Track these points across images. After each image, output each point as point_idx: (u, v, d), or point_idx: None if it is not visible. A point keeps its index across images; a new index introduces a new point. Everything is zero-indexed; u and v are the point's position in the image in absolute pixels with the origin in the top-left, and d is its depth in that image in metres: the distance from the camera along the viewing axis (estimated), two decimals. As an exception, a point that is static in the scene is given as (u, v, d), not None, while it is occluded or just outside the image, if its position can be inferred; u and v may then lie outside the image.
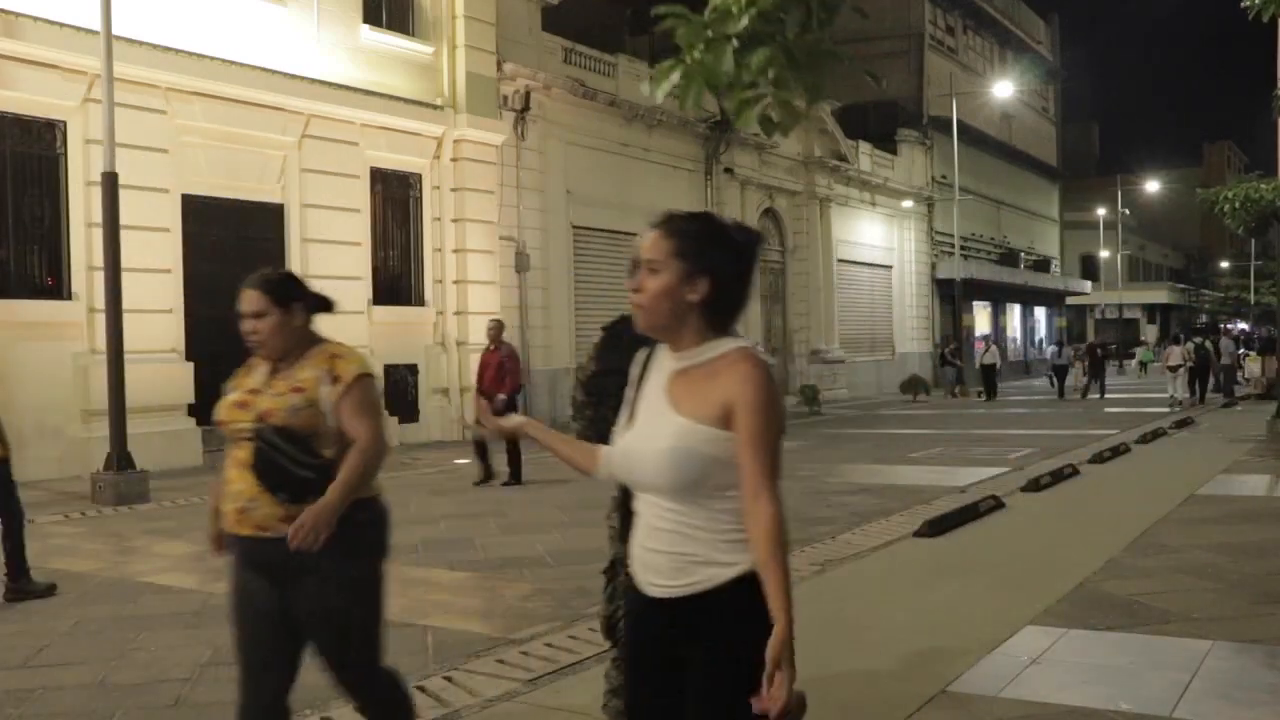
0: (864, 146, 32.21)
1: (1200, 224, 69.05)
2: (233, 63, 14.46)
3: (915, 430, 17.90)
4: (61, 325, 12.89)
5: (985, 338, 30.16)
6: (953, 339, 32.46)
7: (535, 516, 9.54)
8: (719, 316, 2.16)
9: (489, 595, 6.62)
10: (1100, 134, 78.82)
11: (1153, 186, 54.79)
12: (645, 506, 2.20)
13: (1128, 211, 57.42)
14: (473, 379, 18.02)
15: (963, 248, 33.94)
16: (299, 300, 3.14)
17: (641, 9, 26.38)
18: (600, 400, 3.44)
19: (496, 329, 11.87)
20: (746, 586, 2.06)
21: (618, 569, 3.39)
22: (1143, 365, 42.48)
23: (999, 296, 41.75)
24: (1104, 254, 52.70)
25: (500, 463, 11.67)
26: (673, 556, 2.13)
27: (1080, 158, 66.41)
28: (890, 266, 34.27)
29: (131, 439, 10.90)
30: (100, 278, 11.49)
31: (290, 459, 2.95)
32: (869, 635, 5.22)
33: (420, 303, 17.82)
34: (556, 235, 20.46)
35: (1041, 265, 46.42)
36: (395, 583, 6.80)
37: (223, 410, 3.12)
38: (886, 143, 34.08)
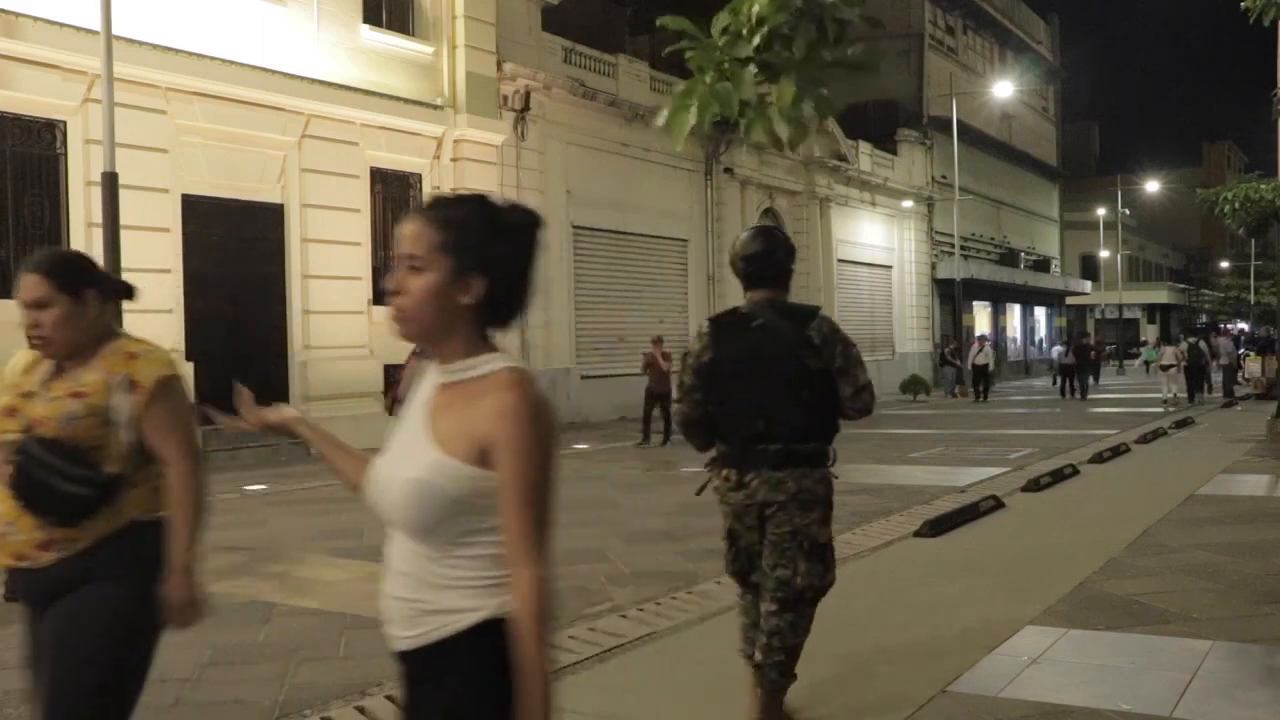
0: (864, 146, 32.22)
1: (1200, 224, 69.01)
2: (233, 63, 14.47)
3: (915, 430, 17.90)
4: (62, 325, 12.88)
5: (980, 337, 29.89)
6: (952, 339, 32.44)
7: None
8: (495, 322, 1.82)
9: (489, 595, 6.61)
10: (1100, 134, 78.87)
11: (1153, 186, 54.78)
12: (392, 546, 1.83)
13: (1128, 211, 57.44)
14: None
15: (963, 248, 33.94)
16: (92, 287, 2.59)
17: (642, 9, 26.40)
18: (707, 385, 3.81)
19: None
20: (488, 635, 1.71)
21: (735, 536, 3.84)
22: (1146, 365, 42.54)
23: (999, 296, 41.76)
24: (1104, 254, 52.70)
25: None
26: (407, 604, 1.78)
27: (1080, 158, 66.41)
28: (890, 266, 34.28)
29: (132, 439, 10.89)
30: (100, 278, 11.48)
31: (59, 474, 2.44)
32: (869, 635, 5.22)
33: (420, 303, 17.80)
34: (556, 235, 20.46)
35: (1041, 265, 46.43)
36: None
37: None
38: (886, 143, 34.09)
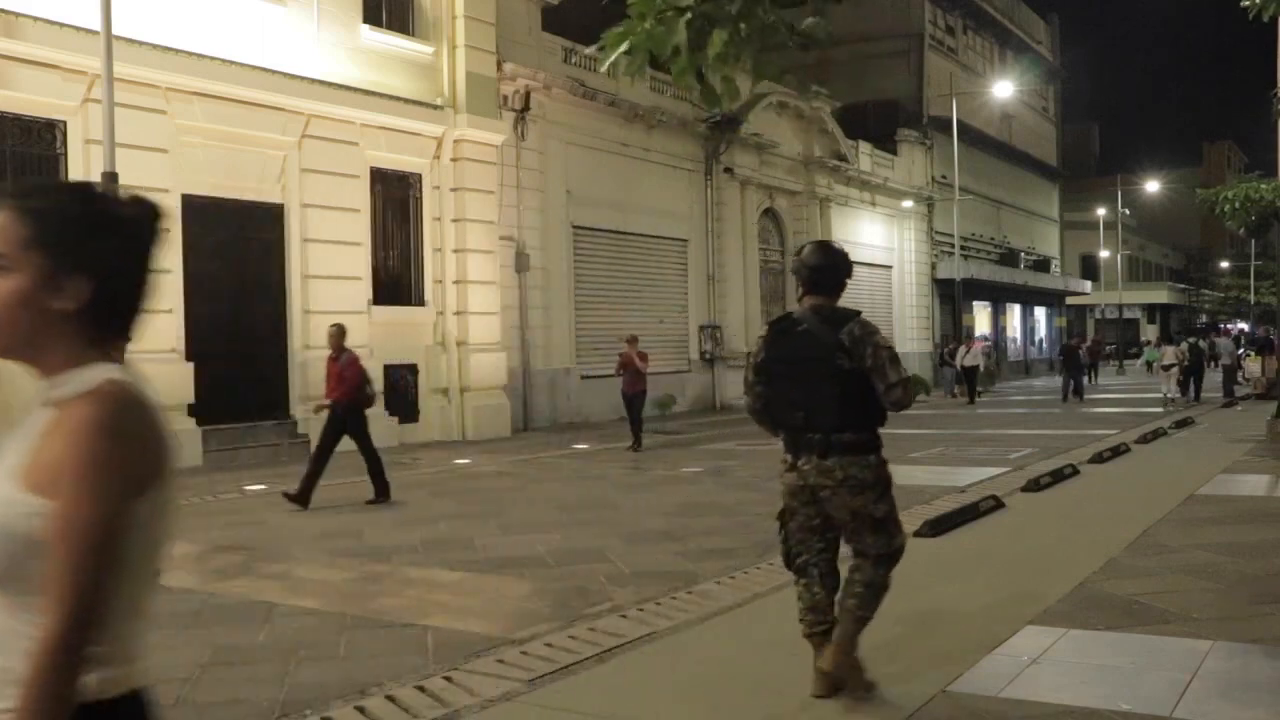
0: (864, 146, 32.24)
1: (1200, 224, 69.05)
2: (232, 63, 14.47)
3: (915, 430, 17.88)
4: (61, 325, 12.88)
5: (978, 338, 29.62)
6: (952, 339, 32.43)
7: (535, 516, 9.54)
8: (107, 329, 1.54)
9: (489, 595, 6.62)
10: (1100, 134, 78.88)
11: (1153, 186, 54.78)
12: None
13: (1128, 211, 57.42)
14: (474, 379, 18.21)
15: (963, 248, 33.94)
16: None
17: (641, 9, 26.37)
18: (769, 381, 4.33)
19: (337, 335, 10.58)
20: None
21: (786, 514, 4.31)
22: (1149, 365, 42.55)
23: (999, 296, 41.76)
24: (1104, 254, 52.70)
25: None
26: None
27: (1080, 158, 66.41)
28: (890, 266, 34.28)
29: (131, 439, 10.87)
30: (100, 278, 11.47)
31: None
32: (869, 635, 5.22)
33: (420, 303, 17.82)
34: (556, 235, 20.47)
35: (1041, 265, 46.44)
36: (395, 583, 6.83)
37: None
38: (886, 143, 34.11)
